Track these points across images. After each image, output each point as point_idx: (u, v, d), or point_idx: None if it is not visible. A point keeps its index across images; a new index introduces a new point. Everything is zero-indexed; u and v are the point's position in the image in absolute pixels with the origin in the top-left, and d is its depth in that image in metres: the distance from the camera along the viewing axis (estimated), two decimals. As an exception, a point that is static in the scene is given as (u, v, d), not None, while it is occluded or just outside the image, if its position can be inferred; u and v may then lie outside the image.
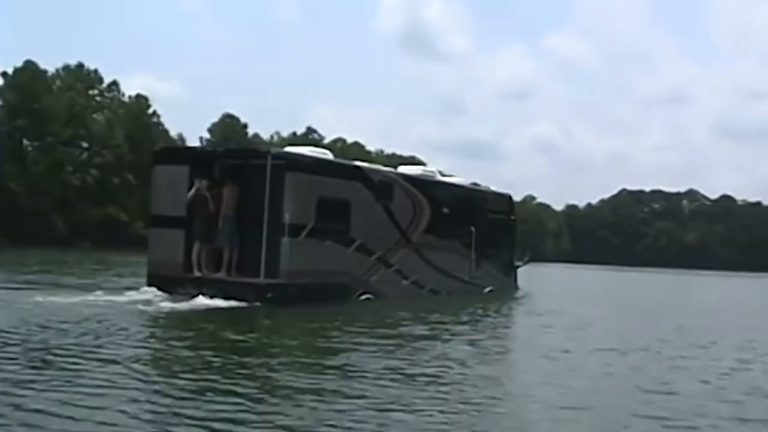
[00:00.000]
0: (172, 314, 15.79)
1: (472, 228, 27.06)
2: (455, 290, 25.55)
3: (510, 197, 32.38)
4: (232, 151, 20.40)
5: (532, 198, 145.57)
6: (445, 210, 25.35)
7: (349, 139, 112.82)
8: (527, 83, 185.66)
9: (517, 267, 32.36)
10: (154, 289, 18.50)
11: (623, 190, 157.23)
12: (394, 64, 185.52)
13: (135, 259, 31.65)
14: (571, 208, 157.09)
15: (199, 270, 18.88)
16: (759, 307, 32.17)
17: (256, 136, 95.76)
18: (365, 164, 23.77)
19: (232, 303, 17.50)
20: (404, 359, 11.44)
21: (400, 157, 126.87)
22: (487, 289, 27.74)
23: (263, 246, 18.26)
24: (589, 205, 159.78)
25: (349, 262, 20.79)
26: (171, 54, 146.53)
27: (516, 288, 31.01)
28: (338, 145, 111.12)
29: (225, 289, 18.09)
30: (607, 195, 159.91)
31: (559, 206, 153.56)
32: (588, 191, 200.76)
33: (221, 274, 18.83)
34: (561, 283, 49.49)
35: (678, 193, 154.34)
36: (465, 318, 18.75)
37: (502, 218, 30.24)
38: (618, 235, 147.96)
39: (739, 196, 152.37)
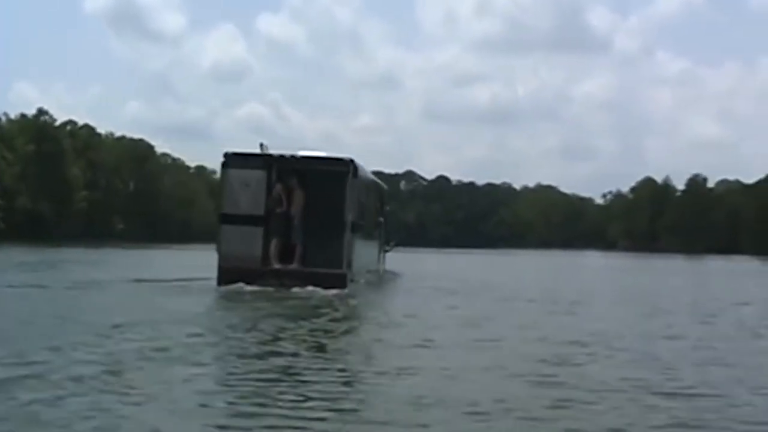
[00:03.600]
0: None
1: (381, 219, 29.38)
2: (372, 271, 27.77)
3: (386, 188, 35.07)
4: (304, 157, 22.36)
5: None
6: (377, 203, 28.11)
7: (80, 122, 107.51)
8: (240, 65, 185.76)
9: (386, 251, 34.05)
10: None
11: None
12: (104, 43, 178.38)
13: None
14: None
15: (277, 263, 20.81)
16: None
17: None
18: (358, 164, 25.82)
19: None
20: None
21: (131, 139, 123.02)
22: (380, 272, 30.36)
23: (344, 241, 21.11)
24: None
25: (356, 254, 23.12)
26: None
27: (385, 270, 32.84)
28: (69, 128, 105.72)
29: (309, 279, 20.24)
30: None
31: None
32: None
33: (295, 266, 20.90)
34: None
35: (396, 175, 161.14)
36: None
37: (386, 207, 32.79)
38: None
39: (454, 176, 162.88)
